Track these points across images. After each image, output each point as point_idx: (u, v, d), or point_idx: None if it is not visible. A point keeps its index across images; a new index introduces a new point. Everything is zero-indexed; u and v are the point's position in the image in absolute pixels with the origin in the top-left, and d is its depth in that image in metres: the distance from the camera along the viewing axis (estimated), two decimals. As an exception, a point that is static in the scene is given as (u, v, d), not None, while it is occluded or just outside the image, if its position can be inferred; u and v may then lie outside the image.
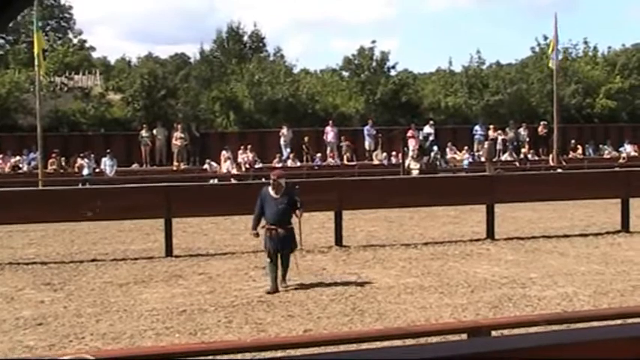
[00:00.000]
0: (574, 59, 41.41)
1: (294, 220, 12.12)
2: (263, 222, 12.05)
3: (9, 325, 9.83)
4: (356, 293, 11.34)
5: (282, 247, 11.88)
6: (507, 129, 36.12)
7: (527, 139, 36.08)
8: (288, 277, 12.02)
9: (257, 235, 12.29)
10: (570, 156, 35.81)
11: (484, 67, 41.10)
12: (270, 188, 12.15)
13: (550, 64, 32.04)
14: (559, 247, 15.33)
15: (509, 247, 15.40)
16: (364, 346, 5.67)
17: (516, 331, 6.34)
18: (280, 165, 32.47)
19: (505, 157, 34.99)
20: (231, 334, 9.29)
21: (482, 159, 32.67)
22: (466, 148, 34.70)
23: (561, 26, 38.55)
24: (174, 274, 13.09)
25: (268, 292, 11.42)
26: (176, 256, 14.68)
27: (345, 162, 33.88)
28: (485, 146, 32.18)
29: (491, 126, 35.66)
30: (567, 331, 4.01)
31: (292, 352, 5.13)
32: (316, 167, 32.75)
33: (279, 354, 5.05)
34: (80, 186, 25.82)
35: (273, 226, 11.87)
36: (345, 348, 5.62)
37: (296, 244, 12.15)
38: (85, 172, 30.42)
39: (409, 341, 6.17)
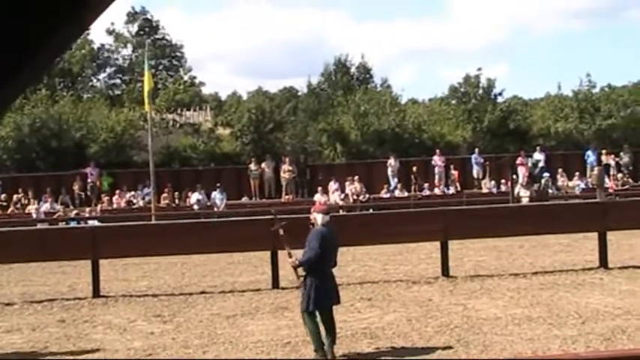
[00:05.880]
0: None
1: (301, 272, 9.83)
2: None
3: (121, 355, 10.12)
4: (462, 324, 11.14)
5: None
6: (622, 153, 35.00)
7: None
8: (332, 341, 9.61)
9: None
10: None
11: (595, 90, 40.08)
12: None
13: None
14: (678, 276, 14.67)
15: (623, 277, 14.80)
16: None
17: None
18: (388, 195, 32.46)
19: (620, 182, 33.84)
20: (335, 366, 9.28)
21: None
22: (577, 174, 33.71)
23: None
24: (280, 305, 13.19)
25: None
26: (282, 288, 14.78)
27: (453, 191, 33.53)
28: (595, 172, 31.16)
29: (604, 151, 34.66)
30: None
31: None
32: (421, 197, 32.47)
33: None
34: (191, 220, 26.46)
35: None
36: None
37: (304, 305, 9.58)
38: (196, 206, 31.18)
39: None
